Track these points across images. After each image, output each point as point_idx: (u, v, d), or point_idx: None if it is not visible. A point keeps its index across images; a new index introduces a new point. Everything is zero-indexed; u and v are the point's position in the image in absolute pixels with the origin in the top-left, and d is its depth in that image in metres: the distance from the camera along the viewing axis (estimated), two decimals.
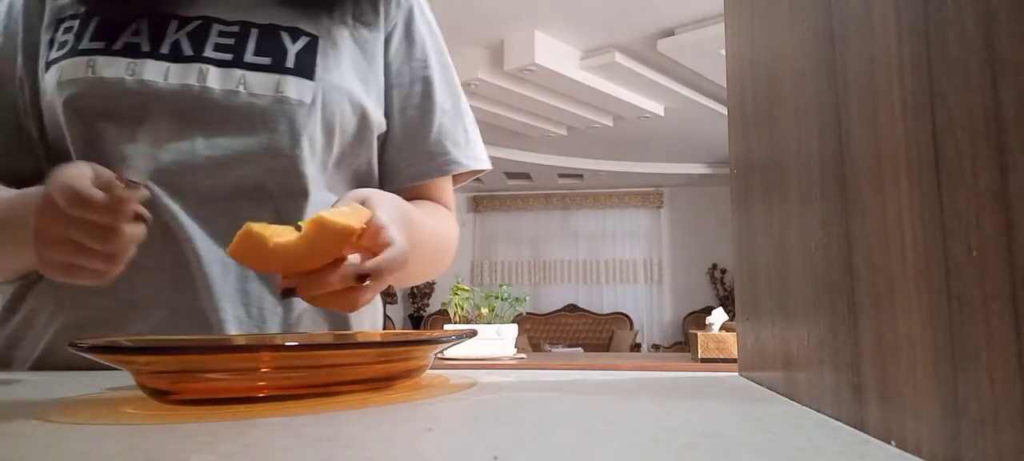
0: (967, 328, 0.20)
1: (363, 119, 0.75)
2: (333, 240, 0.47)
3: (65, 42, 0.69)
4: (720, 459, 0.25)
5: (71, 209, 0.50)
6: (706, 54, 4.20)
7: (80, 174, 0.52)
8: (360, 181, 0.79)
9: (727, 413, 0.36)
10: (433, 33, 0.84)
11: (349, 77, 0.74)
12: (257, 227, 0.46)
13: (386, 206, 0.58)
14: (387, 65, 0.79)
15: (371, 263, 0.51)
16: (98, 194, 0.51)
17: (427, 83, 0.81)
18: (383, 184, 0.81)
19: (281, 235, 0.47)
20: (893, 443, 0.26)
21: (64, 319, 0.67)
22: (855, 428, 0.29)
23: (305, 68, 0.70)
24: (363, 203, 0.55)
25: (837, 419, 0.31)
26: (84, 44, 0.68)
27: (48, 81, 0.69)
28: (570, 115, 5.40)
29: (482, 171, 0.86)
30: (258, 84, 0.69)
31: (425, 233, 0.71)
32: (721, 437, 0.29)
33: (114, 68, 0.67)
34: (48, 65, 0.69)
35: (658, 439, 0.29)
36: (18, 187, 0.71)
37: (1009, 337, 0.18)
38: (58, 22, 0.71)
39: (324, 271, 0.49)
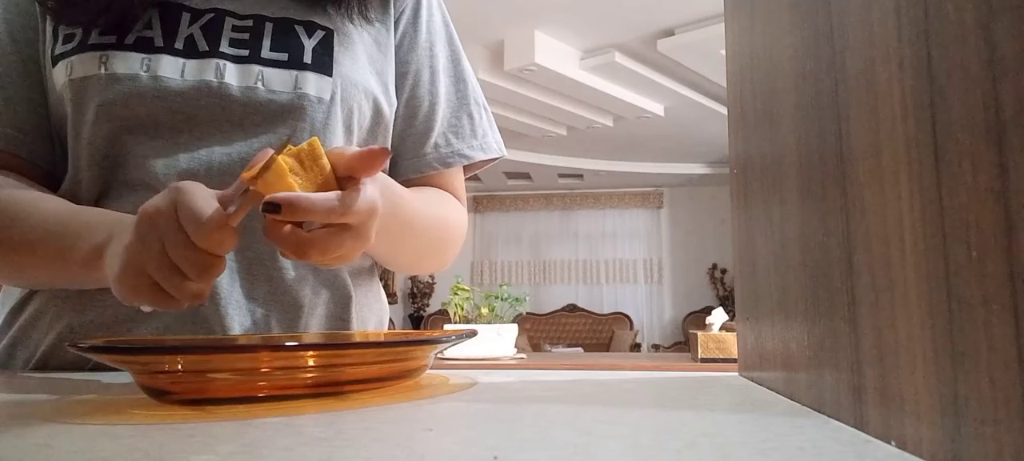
0: (967, 328, 0.20)
1: (377, 111, 0.74)
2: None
3: (71, 35, 0.67)
4: (720, 459, 0.25)
5: (197, 235, 0.46)
6: (706, 54, 4.20)
7: (206, 202, 0.47)
8: None
9: (727, 413, 0.36)
10: (442, 21, 0.83)
11: (365, 70, 0.73)
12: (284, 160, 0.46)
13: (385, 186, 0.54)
14: (395, 53, 0.78)
15: (286, 196, 0.46)
16: (229, 229, 0.47)
17: (432, 72, 0.80)
18: (390, 175, 0.80)
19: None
20: (893, 443, 0.26)
21: (67, 322, 0.66)
22: (855, 428, 0.29)
23: (323, 64, 0.69)
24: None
25: (837, 419, 0.31)
26: (94, 39, 0.66)
27: (56, 77, 0.67)
28: (570, 115, 5.40)
29: (496, 159, 0.84)
30: (276, 81, 0.67)
31: (415, 213, 0.69)
32: (721, 437, 0.29)
33: (128, 64, 0.65)
34: (55, 59, 0.67)
35: (658, 439, 0.29)
36: (49, 179, 0.69)
37: (1009, 337, 0.18)
38: None
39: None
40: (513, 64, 4.36)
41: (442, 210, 0.77)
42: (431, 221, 0.74)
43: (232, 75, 0.67)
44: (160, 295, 0.48)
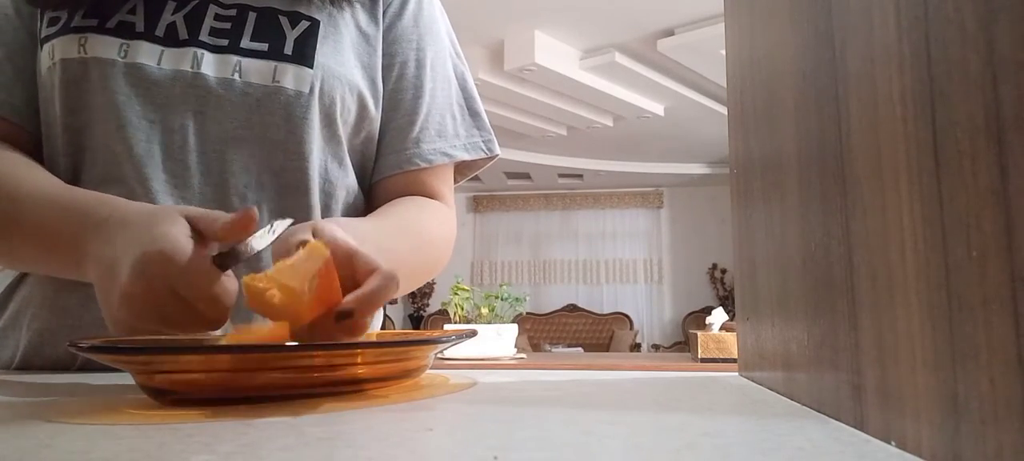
0: (967, 328, 0.20)
1: (363, 106, 0.73)
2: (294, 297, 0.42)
3: (57, 18, 0.66)
4: (720, 459, 0.25)
5: (210, 310, 0.46)
6: (706, 54, 4.20)
7: (201, 259, 0.46)
8: (362, 170, 0.77)
9: (727, 412, 0.36)
10: (433, 17, 0.81)
11: (350, 63, 0.71)
12: (249, 279, 0.42)
13: (349, 231, 0.51)
14: (381, 43, 0.76)
15: (351, 298, 0.44)
16: (234, 292, 0.46)
17: (418, 65, 0.77)
18: (372, 171, 0.78)
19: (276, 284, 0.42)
20: (893, 443, 0.26)
21: (46, 322, 0.66)
22: (855, 428, 0.29)
23: (304, 55, 0.68)
24: (314, 234, 0.49)
25: (837, 419, 0.31)
26: (77, 21, 0.65)
27: (41, 59, 0.66)
28: (570, 115, 5.40)
29: (486, 159, 0.81)
30: (254, 72, 0.66)
31: (398, 250, 0.66)
32: (721, 437, 0.29)
33: (106, 48, 0.64)
34: (41, 42, 0.67)
35: (658, 439, 0.29)
36: (39, 146, 0.68)
37: (1009, 337, 0.18)
38: None
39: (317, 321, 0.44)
40: (513, 64, 4.36)
41: (424, 232, 0.74)
42: (413, 249, 0.71)
43: (209, 65, 0.66)
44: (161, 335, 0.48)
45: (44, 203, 0.59)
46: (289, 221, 0.50)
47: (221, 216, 0.49)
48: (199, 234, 0.49)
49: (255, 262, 0.67)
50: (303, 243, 0.45)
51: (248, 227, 0.47)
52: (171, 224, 0.48)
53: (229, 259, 0.47)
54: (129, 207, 0.54)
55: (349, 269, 0.46)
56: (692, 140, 6.23)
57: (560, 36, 4.34)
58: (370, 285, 0.45)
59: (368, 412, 0.36)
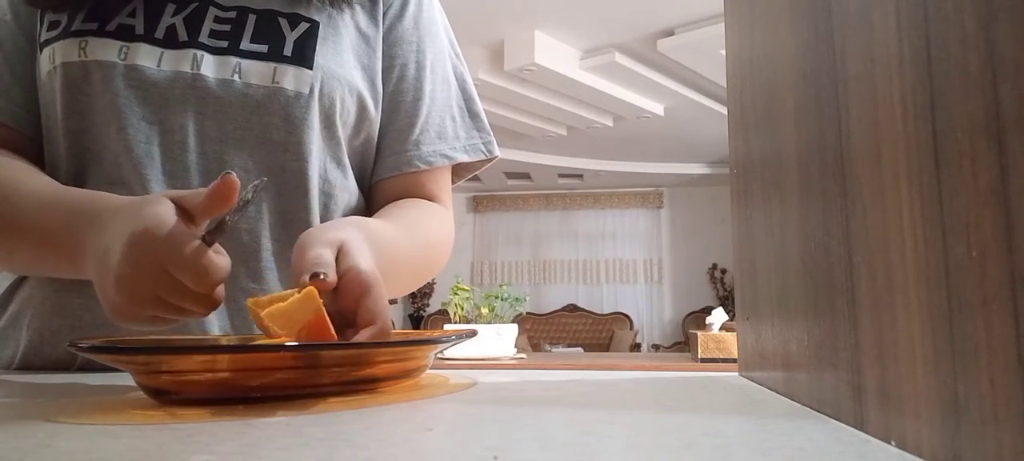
0: (967, 328, 0.20)
1: (363, 107, 0.73)
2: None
3: (57, 21, 0.66)
4: (720, 459, 0.25)
5: (199, 284, 0.46)
6: (706, 54, 4.20)
7: (184, 232, 0.47)
8: (361, 172, 0.77)
9: (727, 412, 0.36)
10: (432, 18, 0.81)
11: (350, 65, 0.71)
12: (251, 301, 0.44)
13: (364, 253, 0.51)
14: (381, 45, 0.76)
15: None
16: (224, 267, 0.47)
17: (418, 67, 0.77)
18: (372, 172, 0.78)
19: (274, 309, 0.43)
20: (893, 443, 0.26)
21: (46, 322, 0.66)
22: (855, 428, 0.29)
23: (303, 57, 0.68)
24: (339, 250, 0.49)
25: (837, 419, 0.31)
26: (77, 24, 0.65)
27: (42, 63, 0.67)
28: (570, 115, 5.40)
29: (485, 161, 0.82)
30: (254, 73, 0.66)
31: (398, 251, 0.66)
32: (721, 437, 0.29)
33: (106, 51, 0.64)
34: (41, 46, 0.67)
35: (658, 439, 0.29)
36: (38, 150, 0.68)
37: (1009, 337, 0.18)
38: None
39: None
40: (513, 64, 4.36)
41: (425, 234, 0.74)
42: (415, 251, 0.71)
43: (209, 66, 0.66)
44: (161, 321, 0.49)
45: (41, 205, 0.59)
46: (264, 179, 0.51)
47: (204, 191, 0.50)
48: (186, 214, 0.49)
49: (254, 260, 0.67)
50: (316, 276, 0.45)
51: (230, 194, 0.48)
52: (157, 204, 0.49)
53: (216, 233, 0.48)
54: (121, 199, 0.55)
55: (354, 302, 0.47)
56: (692, 140, 6.23)
57: (560, 36, 4.34)
58: (361, 337, 0.46)
59: (368, 412, 0.36)
